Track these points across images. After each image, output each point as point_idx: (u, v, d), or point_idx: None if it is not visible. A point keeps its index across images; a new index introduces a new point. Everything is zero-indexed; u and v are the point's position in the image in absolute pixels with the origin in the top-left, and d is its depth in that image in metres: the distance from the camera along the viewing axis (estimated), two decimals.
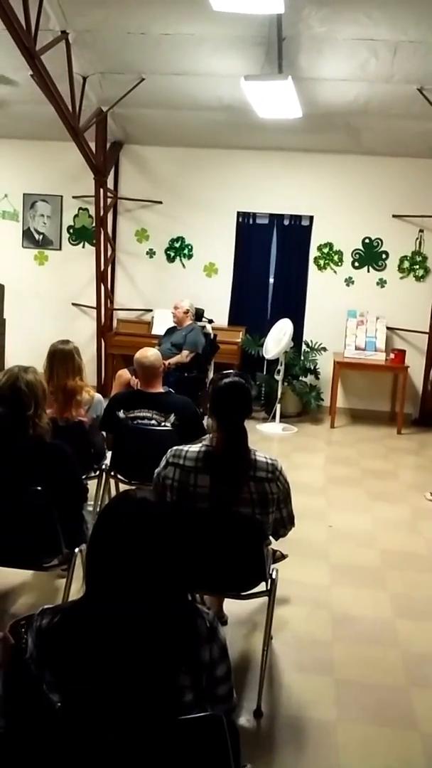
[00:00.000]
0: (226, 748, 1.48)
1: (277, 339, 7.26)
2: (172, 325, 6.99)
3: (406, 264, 7.87)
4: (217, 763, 1.48)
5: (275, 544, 3.17)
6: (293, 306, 8.03)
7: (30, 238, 8.47)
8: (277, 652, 3.23)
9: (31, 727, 1.47)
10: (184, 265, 8.25)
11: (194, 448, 2.79)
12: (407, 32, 5.38)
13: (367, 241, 7.92)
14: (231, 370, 3.05)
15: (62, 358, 3.86)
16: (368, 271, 7.96)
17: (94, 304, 7.98)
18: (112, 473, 4.13)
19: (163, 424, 3.96)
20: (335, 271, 8.01)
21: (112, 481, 4.19)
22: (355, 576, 4.08)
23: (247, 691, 2.90)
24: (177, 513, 2.69)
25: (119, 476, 4.13)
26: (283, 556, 3.54)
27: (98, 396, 4.08)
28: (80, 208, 8.28)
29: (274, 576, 2.96)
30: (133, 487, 2.26)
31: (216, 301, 7.96)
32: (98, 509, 3.72)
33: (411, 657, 3.27)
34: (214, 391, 2.82)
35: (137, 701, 1.51)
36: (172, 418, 3.97)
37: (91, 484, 4.04)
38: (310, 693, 2.95)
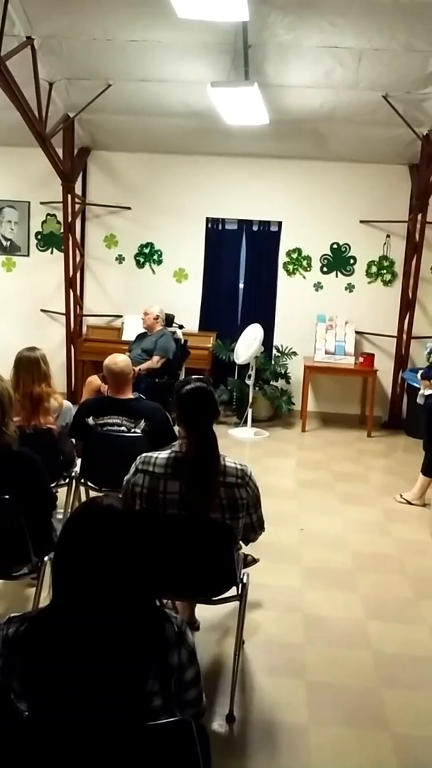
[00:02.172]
0: (196, 754, 1.48)
1: (248, 344, 7.29)
2: (143, 330, 6.97)
3: (374, 269, 7.96)
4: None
5: (246, 549, 3.18)
6: (263, 311, 8.06)
7: None
8: (249, 656, 3.24)
9: None
10: (153, 271, 8.24)
11: (163, 454, 2.79)
12: (371, 40, 5.44)
13: (335, 246, 7.99)
14: (193, 376, 3.06)
15: (28, 365, 3.84)
16: (336, 276, 8.03)
17: (64, 311, 7.94)
18: (82, 480, 4.10)
19: (133, 430, 3.95)
20: (304, 276, 8.06)
21: (82, 489, 4.17)
22: (327, 578, 4.10)
23: (220, 695, 2.91)
24: (145, 519, 2.68)
25: (89, 483, 4.10)
26: (254, 561, 3.56)
27: (67, 403, 4.06)
28: (48, 214, 8.24)
29: (245, 580, 2.97)
30: (101, 495, 2.25)
31: (186, 307, 7.97)
32: None
33: (382, 658, 3.30)
34: (179, 399, 2.83)
35: (105, 708, 1.51)
36: (142, 424, 3.95)
37: (61, 492, 4.02)
38: (282, 696, 2.96)
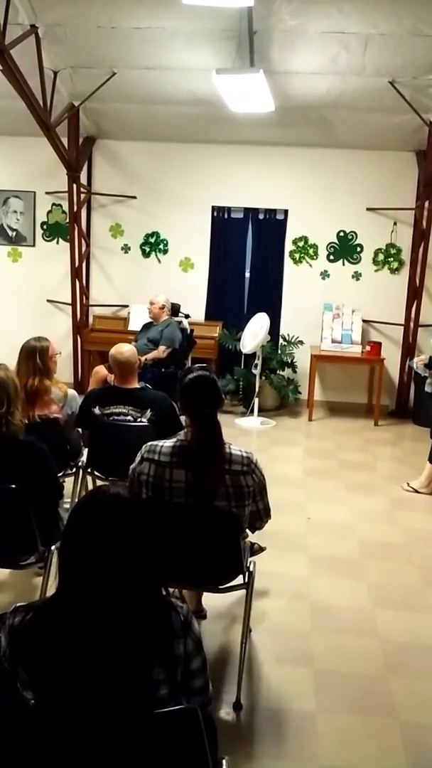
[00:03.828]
0: (202, 741, 1.48)
1: (254, 333, 7.27)
2: (149, 320, 6.96)
3: (381, 257, 7.92)
4: (193, 755, 1.48)
5: (253, 537, 3.18)
6: (269, 300, 8.04)
7: (3, 234, 8.40)
8: (256, 644, 3.24)
9: (5, 725, 1.46)
10: (159, 260, 8.23)
11: (169, 443, 2.79)
12: (377, 25, 5.39)
13: (341, 234, 7.95)
14: (195, 365, 3.06)
15: (26, 355, 3.84)
16: (343, 264, 7.99)
17: (70, 301, 7.94)
18: (89, 470, 4.11)
19: (139, 419, 3.95)
20: (311, 265, 8.04)
21: (88, 478, 4.18)
22: (334, 567, 4.10)
23: (227, 683, 2.91)
24: (152, 508, 2.69)
25: (96, 473, 4.11)
26: (261, 549, 3.55)
27: (72, 392, 4.05)
28: (53, 204, 8.22)
29: (251, 569, 2.97)
30: (107, 483, 2.25)
31: (192, 296, 7.95)
32: None
33: (389, 646, 3.30)
34: (182, 388, 2.83)
35: (112, 696, 1.51)
36: (148, 413, 3.95)
37: (68, 481, 4.03)
38: (289, 684, 2.97)
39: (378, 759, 2.57)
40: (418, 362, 5.57)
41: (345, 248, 7.97)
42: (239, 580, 2.91)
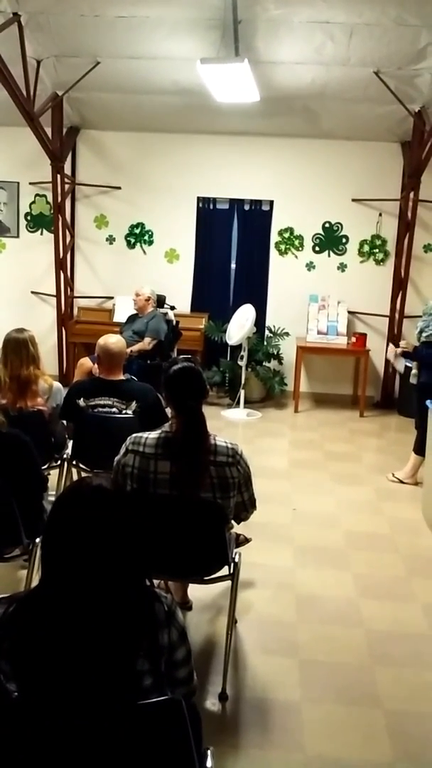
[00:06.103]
0: (186, 732, 1.47)
1: (240, 325, 7.26)
2: (134, 312, 6.93)
3: (366, 248, 7.92)
4: (177, 746, 1.47)
5: (239, 528, 3.18)
6: (255, 291, 8.03)
7: None
8: (242, 635, 3.25)
9: None
10: (144, 252, 8.19)
11: (153, 434, 2.78)
12: (362, 15, 5.37)
13: (327, 225, 7.95)
14: (181, 356, 3.05)
15: (15, 347, 3.80)
16: (329, 255, 7.99)
17: (54, 292, 7.89)
18: (74, 462, 4.09)
19: (124, 411, 3.93)
20: (296, 256, 8.03)
21: (73, 470, 4.16)
22: (319, 557, 4.11)
23: (213, 674, 2.92)
24: (136, 499, 2.68)
25: (81, 465, 4.09)
26: (247, 540, 3.56)
27: (57, 384, 4.02)
28: (37, 195, 8.16)
29: (236, 560, 2.97)
30: (89, 474, 2.24)
31: (178, 288, 7.93)
32: None
33: (374, 636, 3.31)
34: (166, 380, 2.83)
35: (95, 688, 1.50)
36: (133, 405, 3.93)
37: (53, 474, 4.01)
38: (274, 674, 2.98)
39: (363, 747, 2.58)
40: (398, 353, 5.50)
41: (330, 239, 7.97)
42: (225, 571, 2.92)
